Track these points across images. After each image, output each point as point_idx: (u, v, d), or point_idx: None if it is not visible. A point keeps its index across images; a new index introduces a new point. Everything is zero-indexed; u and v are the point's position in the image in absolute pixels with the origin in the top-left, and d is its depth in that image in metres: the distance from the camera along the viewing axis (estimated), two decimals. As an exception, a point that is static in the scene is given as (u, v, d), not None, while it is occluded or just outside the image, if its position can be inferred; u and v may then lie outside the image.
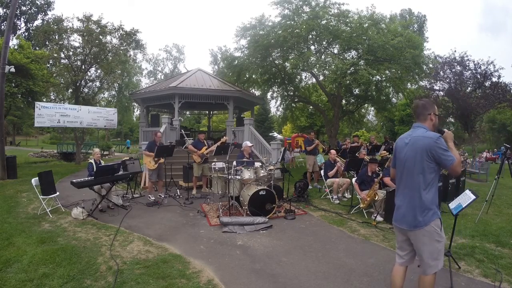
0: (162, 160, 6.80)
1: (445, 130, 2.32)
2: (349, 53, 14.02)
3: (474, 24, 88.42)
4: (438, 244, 2.18)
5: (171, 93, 11.53)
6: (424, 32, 36.79)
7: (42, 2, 24.02)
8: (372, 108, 21.31)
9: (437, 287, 3.05)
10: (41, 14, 24.18)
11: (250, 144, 6.69)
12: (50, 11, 24.27)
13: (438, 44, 73.96)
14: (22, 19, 23.46)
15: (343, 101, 16.90)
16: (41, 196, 5.49)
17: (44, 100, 15.38)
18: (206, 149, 7.33)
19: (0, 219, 5.04)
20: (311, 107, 22.25)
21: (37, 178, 5.55)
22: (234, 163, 6.01)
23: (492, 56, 28.69)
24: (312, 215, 5.79)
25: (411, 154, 2.23)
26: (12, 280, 2.99)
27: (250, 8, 78.02)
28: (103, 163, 6.17)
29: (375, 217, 5.31)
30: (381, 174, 5.81)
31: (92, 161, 5.99)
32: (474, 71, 15.02)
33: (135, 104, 31.16)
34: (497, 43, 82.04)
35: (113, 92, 32.97)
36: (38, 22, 23.61)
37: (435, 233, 2.16)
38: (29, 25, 23.73)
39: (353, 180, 6.20)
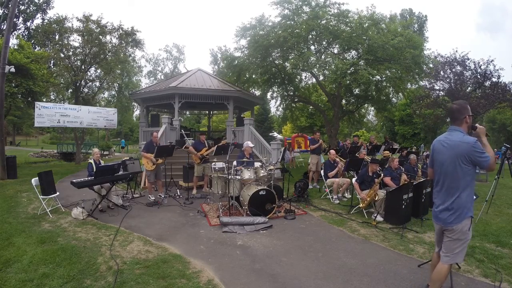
0: (160, 161, 6.80)
1: (477, 125, 2.42)
2: (349, 53, 14.01)
3: (472, 23, 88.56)
4: (462, 241, 2.43)
5: (171, 93, 11.53)
6: (425, 32, 36.78)
7: (41, 0, 23.94)
8: (372, 108, 21.29)
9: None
10: (40, 13, 24.11)
11: (251, 145, 6.66)
12: (50, 10, 24.21)
13: (437, 44, 74.06)
14: (21, 18, 23.37)
15: (343, 101, 16.88)
16: (41, 196, 5.49)
17: (44, 100, 15.38)
18: (207, 150, 7.33)
19: (0, 219, 5.05)
20: (311, 107, 22.24)
21: (37, 178, 5.55)
22: (235, 163, 6.01)
23: (490, 55, 28.75)
24: (312, 215, 5.79)
25: (450, 158, 2.41)
26: (12, 280, 2.99)
27: (250, 8, 78.11)
28: (103, 163, 6.17)
29: (375, 217, 5.31)
30: (382, 175, 5.80)
31: (92, 161, 5.99)
32: (474, 71, 15.02)
33: (135, 104, 31.13)
34: (495, 42, 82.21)
35: (113, 92, 32.89)
36: (37, 21, 23.55)
37: (463, 231, 2.40)
38: (28, 24, 23.66)
39: (353, 180, 6.20)
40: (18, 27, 23.01)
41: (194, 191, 7.50)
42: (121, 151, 28.07)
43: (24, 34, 22.71)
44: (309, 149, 9.15)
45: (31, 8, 23.63)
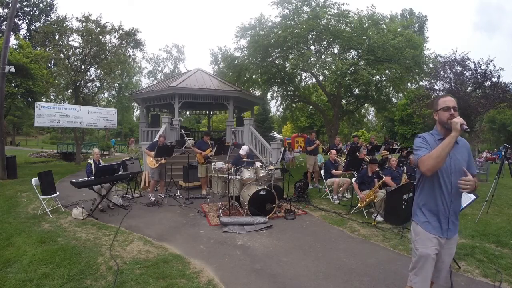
0: (164, 161, 6.79)
1: (452, 120, 1.90)
2: (349, 53, 14.01)
3: (469, 23, 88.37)
4: (414, 250, 2.06)
5: (171, 93, 11.53)
6: (425, 32, 36.76)
7: (45, 4, 24.08)
8: (372, 108, 21.30)
9: (437, 287, 3.06)
10: (43, 16, 24.23)
11: (243, 153, 6.43)
12: (53, 12, 24.36)
13: (435, 43, 73.66)
14: (25, 20, 23.54)
15: (343, 101, 16.89)
16: (41, 196, 5.49)
17: (44, 100, 15.36)
18: (211, 150, 7.29)
19: (0, 219, 5.05)
20: (311, 107, 22.24)
21: (37, 178, 5.55)
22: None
23: (489, 55, 28.67)
24: (312, 215, 5.79)
25: None
26: (12, 280, 2.99)
27: (250, 8, 78.04)
28: (102, 163, 6.17)
29: (375, 217, 5.31)
30: (383, 177, 5.77)
31: (91, 161, 5.97)
32: (474, 71, 15.01)
33: (135, 104, 31.16)
34: (492, 42, 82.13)
35: (113, 92, 32.99)
36: (40, 24, 23.67)
37: (412, 234, 2.11)
38: (32, 26, 23.77)
39: (353, 180, 6.20)
40: (21, 28, 23.13)
41: (204, 192, 7.35)
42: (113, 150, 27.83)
43: (26, 35, 22.80)
44: (306, 149, 9.07)
45: (35, 11, 23.79)
